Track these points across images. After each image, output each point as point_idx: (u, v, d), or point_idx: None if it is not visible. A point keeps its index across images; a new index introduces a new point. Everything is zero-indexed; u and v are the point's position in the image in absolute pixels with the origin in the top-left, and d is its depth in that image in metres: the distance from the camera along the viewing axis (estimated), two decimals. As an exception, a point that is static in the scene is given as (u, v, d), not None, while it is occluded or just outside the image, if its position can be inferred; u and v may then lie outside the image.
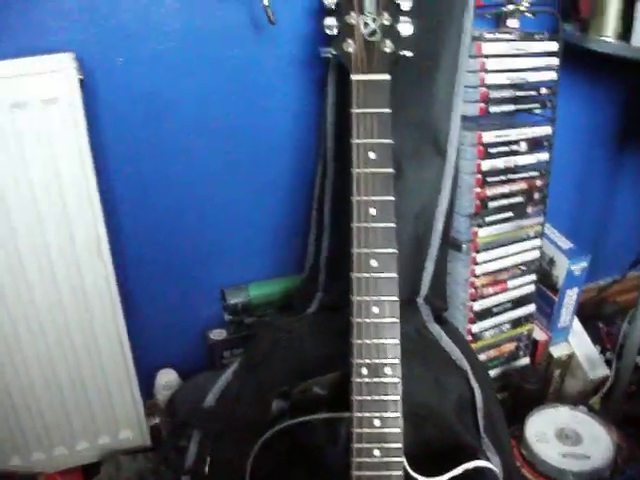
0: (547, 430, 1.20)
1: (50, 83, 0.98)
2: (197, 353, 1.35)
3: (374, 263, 0.85)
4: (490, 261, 1.25)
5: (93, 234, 1.08)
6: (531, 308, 1.36)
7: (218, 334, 1.31)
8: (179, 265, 1.31)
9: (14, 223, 1.05)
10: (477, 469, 0.85)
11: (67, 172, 1.04)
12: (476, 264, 1.23)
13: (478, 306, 1.27)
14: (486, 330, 1.31)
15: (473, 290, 1.25)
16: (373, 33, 0.87)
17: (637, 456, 1.21)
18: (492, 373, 1.35)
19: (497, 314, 1.31)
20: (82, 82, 1.01)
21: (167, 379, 1.29)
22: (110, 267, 1.12)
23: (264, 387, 1.00)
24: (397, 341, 0.83)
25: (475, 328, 1.29)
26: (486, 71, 1.11)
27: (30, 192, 1.03)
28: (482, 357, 1.32)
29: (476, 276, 1.24)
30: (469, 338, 1.28)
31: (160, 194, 1.23)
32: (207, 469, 1.00)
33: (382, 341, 0.83)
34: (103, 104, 1.11)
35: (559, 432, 1.20)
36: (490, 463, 0.86)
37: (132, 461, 1.21)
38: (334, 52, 0.89)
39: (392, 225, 0.85)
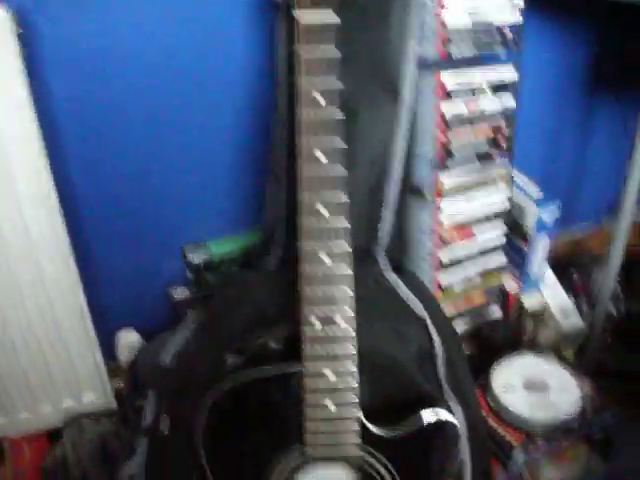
0: (514, 379, 1.18)
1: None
2: (160, 312, 1.32)
3: (324, 211, 0.82)
4: (456, 209, 1.22)
5: (39, 189, 1.04)
6: (501, 258, 1.33)
7: (181, 292, 1.29)
8: (139, 223, 1.27)
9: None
10: (435, 421, 0.84)
11: (9, 128, 0.99)
12: (441, 212, 1.20)
13: (445, 256, 1.24)
14: (454, 281, 1.29)
15: (439, 239, 1.22)
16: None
17: (608, 407, 1.20)
18: (462, 325, 1.33)
19: (465, 265, 1.29)
20: (21, 36, 0.96)
21: (128, 339, 1.26)
22: (60, 224, 1.08)
23: (219, 343, 0.98)
24: (350, 292, 0.81)
25: (443, 279, 1.26)
26: (445, 9, 1.06)
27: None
28: (451, 309, 1.29)
29: (441, 224, 1.21)
30: (436, 289, 1.26)
31: (115, 151, 1.19)
32: (163, 428, 0.98)
33: (334, 292, 0.81)
34: (51, 59, 1.06)
35: (526, 381, 1.18)
36: (447, 412, 0.84)
37: (95, 424, 1.20)
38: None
39: (343, 170, 0.81)
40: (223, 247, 1.28)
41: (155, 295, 1.33)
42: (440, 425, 0.84)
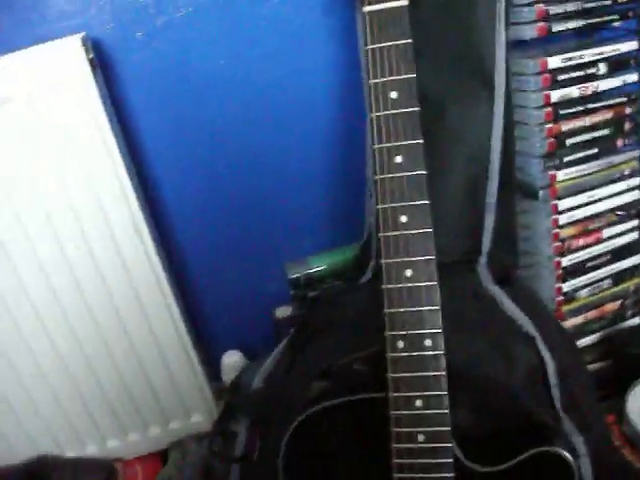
0: (654, 403, 1.01)
1: (59, 66, 0.95)
2: (265, 332, 1.29)
3: (404, 218, 0.73)
4: (576, 208, 1.07)
5: (128, 219, 1.05)
6: (636, 259, 1.15)
7: (284, 311, 1.24)
8: (240, 245, 1.26)
9: (52, 220, 1.04)
10: (548, 456, 0.72)
11: (91, 158, 1.01)
12: (559, 213, 1.07)
13: (567, 261, 1.10)
14: (580, 288, 1.13)
15: (559, 243, 1.08)
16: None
17: None
18: (593, 338, 1.17)
19: (593, 269, 1.13)
20: (93, 62, 0.97)
21: (232, 360, 1.24)
22: (153, 252, 1.08)
23: (309, 366, 0.92)
24: (436, 307, 0.72)
25: (566, 287, 1.11)
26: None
27: (60, 183, 1.02)
28: (579, 320, 1.14)
29: (560, 227, 1.07)
30: (559, 299, 1.12)
31: (207, 173, 1.18)
32: (256, 455, 0.94)
33: (418, 308, 0.72)
34: (131, 83, 1.07)
35: (669, 405, 1.01)
36: (559, 449, 0.72)
37: (198, 446, 1.18)
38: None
39: (422, 172, 0.73)
40: (323, 261, 1.21)
41: (259, 315, 1.29)
42: (551, 460, 0.72)
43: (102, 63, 1.03)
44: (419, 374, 0.72)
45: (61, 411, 1.19)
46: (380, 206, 0.74)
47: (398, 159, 0.73)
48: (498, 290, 0.91)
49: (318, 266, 1.20)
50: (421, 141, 0.72)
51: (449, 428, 0.72)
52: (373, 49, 0.75)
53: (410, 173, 0.73)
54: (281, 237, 1.25)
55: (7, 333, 1.11)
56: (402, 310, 0.73)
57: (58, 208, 1.03)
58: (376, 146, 0.74)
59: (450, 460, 0.72)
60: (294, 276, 1.22)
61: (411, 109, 0.73)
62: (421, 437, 0.73)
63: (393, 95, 0.74)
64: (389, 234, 0.73)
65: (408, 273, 0.73)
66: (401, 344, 0.73)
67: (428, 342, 0.72)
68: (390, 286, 0.73)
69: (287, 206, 1.23)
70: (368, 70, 0.75)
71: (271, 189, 1.21)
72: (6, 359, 1.14)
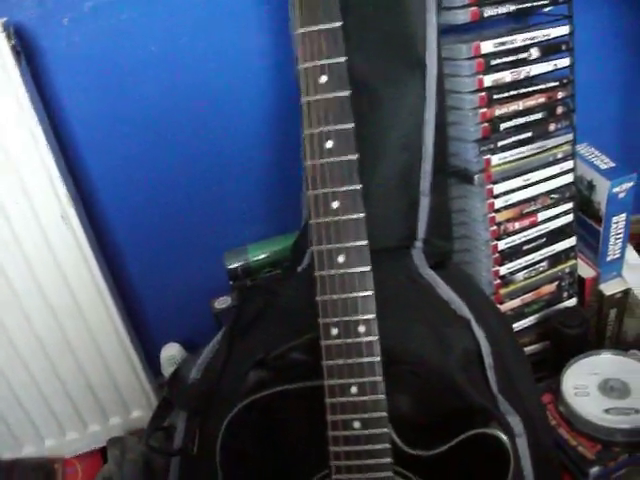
0: (588, 381, 1.02)
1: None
2: (205, 324, 1.27)
3: (335, 204, 0.72)
4: (511, 192, 1.08)
5: (57, 210, 1.02)
6: (571, 241, 1.17)
7: (223, 302, 1.22)
8: (177, 235, 1.24)
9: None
10: (480, 439, 0.73)
11: (17, 148, 0.97)
12: (494, 197, 1.07)
13: (503, 245, 1.11)
14: (518, 271, 1.14)
15: (495, 227, 1.09)
16: None
17: None
18: (530, 320, 1.19)
19: (529, 252, 1.14)
20: (15, 48, 0.93)
21: (170, 353, 1.22)
22: (85, 244, 1.06)
23: (246, 356, 0.90)
24: (370, 293, 0.71)
25: (503, 270, 1.12)
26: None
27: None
28: (517, 302, 1.15)
29: (496, 211, 1.08)
30: (497, 282, 1.13)
31: (139, 163, 1.15)
32: (195, 448, 0.92)
33: (351, 295, 0.72)
34: (56, 70, 1.03)
35: (603, 383, 1.02)
36: (495, 429, 0.73)
37: (138, 442, 1.16)
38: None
39: (353, 157, 0.72)
40: (261, 250, 1.20)
41: (199, 307, 1.26)
42: (487, 441, 0.72)
43: (26, 51, 0.99)
44: (354, 361, 0.72)
45: (-3, 413, 1.16)
46: (311, 192, 0.73)
47: (329, 144, 0.72)
48: (433, 274, 0.91)
49: (257, 255, 1.19)
50: (352, 125, 0.71)
51: (385, 414, 0.72)
52: (303, 33, 0.74)
53: (341, 158, 0.72)
54: (220, 226, 1.24)
55: None
56: (335, 297, 0.72)
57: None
58: (306, 132, 0.73)
59: (387, 446, 0.72)
60: (233, 266, 1.20)
61: (342, 93, 0.72)
62: (357, 424, 0.73)
63: (323, 79, 0.73)
64: (320, 220, 0.72)
65: (340, 259, 0.72)
66: (335, 331, 0.72)
67: (362, 328, 0.72)
68: (322, 273, 0.73)
69: (225, 195, 1.21)
70: (296, 56, 0.74)
71: (209, 177, 1.19)
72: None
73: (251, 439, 0.78)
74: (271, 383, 0.80)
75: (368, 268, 0.71)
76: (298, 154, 1.10)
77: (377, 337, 0.71)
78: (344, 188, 0.71)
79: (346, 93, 0.72)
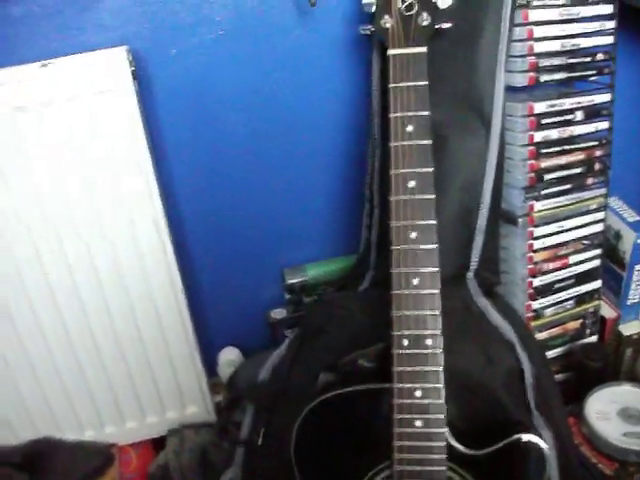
0: (609, 408, 1.16)
1: (105, 75, 1.04)
2: (259, 332, 1.39)
3: (413, 235, 0.85)
4: (549, 235, 1.21)
5: (151, 216, 1.14)
6: (596, 284, 1.30)
7: (279, 313, 1.35)
8: (241, 249, 1.35)
9: (74, 211, 1.12)
10: (524, 444, 0.85)
11: (124, 160, 1.09)
12: (534, 239, 1.20)
13: (538, 282, 1.24)
14: (547, 307, 1.27)
15: (532, 265, 1.22)
16: (410, 7, 0.87)
17: None
18: (556, 352, 1.31)
19: (559, 290, 1.27)
20: (135, 73, 1.06)
21: (230, 357, 1.34)
22: (170, 249, 1.17)
23: (314, 360, 1.03)
24: (437, 312, 0.84)
25: (535, 305, 1.25)
26: (534, 39, 1.08)
27: (89, 180, 1.10)
28: (544, 335, 1.28)
29: (534, 251, 1.21)
30: (529, 315, 1.26)
31: (218, 181, 1.27)
32: (260, 440, 1.03)
33: (422, 312, 0.84)
34: (159, 95, 1.16)
35: (622, 411, 1.16)
36: (536, 437, 0.85)
37: (195, 435, 1.27)
38: (372, 29, 0.91)
39: (431, 197, 0.85)
40: (320, 270, 1.33)
41: (255, 316, 1.40)
42: (528, 448, 0.84)
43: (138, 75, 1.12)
44: (420, 368, 0.85)
45: (65, 395, 1.27)
46: (393, 223, 0.86)
47: (411, 184, 0.85)
48: (485, 302, 1.04)
49: (315, 273, 1.32)
50: (432, 169, 0.85)
51: (444, 416, 0.84)
52: (394, 87, 0.87)
53: (421, 196, 0.85)
54: (281, 245, 1.36)
55: (19, 312, 1.18)
56: (408, 313, 0.85)
57: (83, 207, 1.11)
58: (393, 171, 0.86)
59: (443, 444, 0.84)
60: (291, 281, 1.33)
61: (424, 142, 0.86)
62: (419, 422, 0.85)
63: (409, 129, 0.86)
64: (400, 247, 0.85)
65: (415, 282, 0.85)
66: (406, 342, 0.85)
67: (429, 341, 0.84)
68: (398, 292, 0.85)
69: (288, 217, 1.34)
70: (389, 105, 0.87)
71: (276, 202, 1.32)
72: (16, 339, 1.20)
73: (322, 434, 0.90)
74: (339, 386, 0.92)
75: (438, 291, 0.84)
76: (360, 186, 1.24)
77: (441, 350, 0.84)
78: (422, 222, 0.85)
79: (428, 142, 0.86)
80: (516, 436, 0.83)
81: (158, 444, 1.35)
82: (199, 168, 1.26)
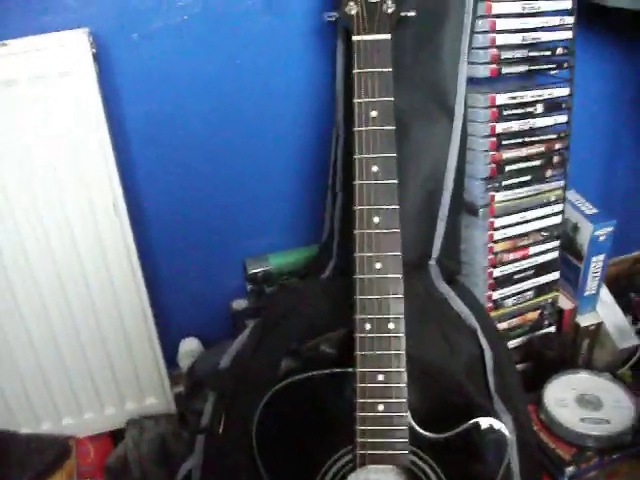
0: (567, 395, 1.19)
1: (64, 56, 1.02)
2: (221, 323, 1.38)
3: (376, 219, 0.86)
4: (509, 226, 1.23)
5: (110, 199, 1.12)
6: (555, 275, 1.33)
7: (240, 303, 1.34)
8: (202, 238, 1.34)
9: (34, 191, 1.09)
10: (485, 428, 0.86)
11: (84, 142, 1.07)
12: (494, 229, 1.22)
13: (498, 272, 1.26)
14: (507, 297, 1.29)
15: (492, 256, 1.24)
16: (374, -6, 0.87)
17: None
18: (515, 342, 1.33)
19: (519, 281, 1.29)
20: (95, 56, 1.04)
21: (190, 347, 1.32)
22: (129, 235, 1.15)
23: (276, 347, 1.02)
24: (400, 296, 0.85)
25: (496, 295, 1.27)
26: (497, 31, 1.10)
27: (49, 161, 1.08)
28: (504, 325, 1.30)
29: (495, 241, 1.23)
30: (489, 305, 1.27)
31: (179, 167, 1.26)
32: (221, 427, 1.02)
33: (385, 296, 0.85)
34: (120, 79, 1.14)
35: (579, 397, 1.18)
36: (497, 421, 0.86)
37: (155, 425, 1.25)
38: (337, 16, 0.91)
39: (394, 182, 0.86)
40: (282, 260, 1.33)
41: (216, 306, 1.39)
42: (489, 433, 0.85)
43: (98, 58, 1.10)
44: (382, 352, 0.85)
45: (21, 386, 1.23)
46: (357, 207, 0.86)
47: (374, 168, 0.86)
48: (447, 288, 1.05)
49: (277, 263, 1.32)
50: (395, 155, 0.86)
51: (405, 400, 0.84)
52: (359, 73, 0.88)
53: (384, 181, 0.86)
54: (242, 234, 1.35)
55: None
56: (370, 297, 0.85)
57: (45, 187, 1.09)
58: (356, 156, 0.86)
59: (405, 427, 0.84)
60: (253, 271, 1.32)
61: (388, 127, 0.87)
62: (381, 407, 0.85)
63: (373, 114, 0.87)
64: (363, 232, 0.86)
65: (378, 266, 0.85)
66: (368, 326, 0.85)
67: (391, 325, 0.85)
68: (361, 276, 0.85)
69: (251, 206, 1.33)
70: (353, 90, 0.87)
71: (238, 190, 1.31)
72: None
73: (284, 420, 0.90)
74: (301, 372, 0.92)
75: (400, 275, 0.85)
76: (323, 175, 1.24)
77: (403, 333, 0.84)
78: (385, 206, 0.85)
79: (392, 127, 0.86)
80: (477, 420, 0.85)
81: (116, 436, 1.33)
82: (159, 154, 1.24)
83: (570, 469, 1.09)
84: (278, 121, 1.26)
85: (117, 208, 1.13)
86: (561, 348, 1.28)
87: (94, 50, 1.04)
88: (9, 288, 1.15)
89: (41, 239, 1.13)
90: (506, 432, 0.85)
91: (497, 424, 0.85)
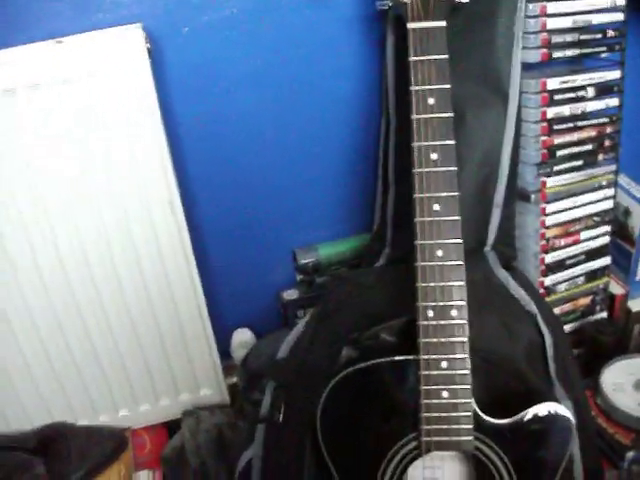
0: (624, 380, 1.18)
1: (120, 52, 1.03)
2: (271, 313, 1.40)
3: (436, 207, 0.86)
4: (560, 212, 1.22)
5: (166, 197, 1.13)
6: (606, 260, 1.32)
7: (291, 294, 1.35)
8: (252, 229, 1.35)
9: (89, 190, 1.11)
10: (548, 414, 0.85)
11: (140, 138, 1.09)
12: (546, 215, 1.22)
13: (550, 258, 1.25)
14: (559, 283, 1.29)
15: (544, 242, 1.23)
16: (428, -18, 0.87)
17: None
18: (567, 328, 1.32)
19: (570, 266, 1.28)
20: (150, 51, 1.05)
21: (243, 338, 1.34)
22: (184, 230, 1.17)
23: (334, 336, 1.03)
24: (462, 283, 0.85)
25: (548, 281, 1.27)
26: (547, 15, 1.09)
27: (105, 158, 1.09)
28: (556, 311, 1.29)
29: (547, 227, 1.22)
30: (541, 291, 1.27)
31: (229, 162, 1.27)
32: (281, 417, 1.04)
33: (447, 283, 0.85)
34: (170, 73, 1.15)
35: (637, 382, 1.18)
36: (563, 407, 0.86)
37: (211, 416, 1.27)
38: (390, 3, 0.91)
39: (453, 169, 0.86)
40: (331, 250, 1.34)
41: (267, 297, 1.40)
42: (553, 418, 0.85)
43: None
44: (446, 339, 0.85)
45: (79, 379, 1.26)
46: (417, 195, 0.86)
47: (434, 156, 0.86)
48: (506, 274, 1.05)
49: (327, 253, 1.33)
50: (453, 142, 0.86)
51: (469, 386, 0.84)
52: (415, 61, 0.88)
53: (444, 168, 0.86)
54: (292, 225, 1.36)
55: (33, 293, 1.17)
56: (433, 284, 0.85)
57: (101, 184, 1.11)
58: (415, 144, 0.86)
59: (470, 413, 0.84)
60: (303, 262, 1.33)
61: (446, 114, 0.87)
62: (445, 393, 0.86)
63: (431, 101, 0.87)
64: (424, 219, 0.86)
65: (439, 253, 0.85)
66: (431, 313, 0.85)
67: (454, 312, 0.85)
68: (423, 264, 0.86)
69: (298, 197, 1.34)
70: (409, 78, 0.87)
71: (286, 182, 1.31)
72: (29, 321, 1.19)
73: (347, 407, 0.90)
74: (361, 360, 0.93)
75: (462, 262, 0.85)
76: (372, 165, 1.24)
77: (466, 320, 0.85)
78: (445, 194, 0.85)
79: (450, 114, 0.86)
80: (541, 405, 0.85)
81: (171, 427, 1.36)
82: (209, 147, 1.25)
83: (630, 454, 1.09)
84: (325, 112, 1.26)
85: (173, 205, 1.14)
86: (615, 333, 1.27)
87: (149, 45, 1.05)
88: (67, 283, 1.17)
89: (100, 238, 1.15)
90: (570, 417, 0.86)
91: (561, 409, 0.85)
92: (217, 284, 1.36)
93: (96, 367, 1.26)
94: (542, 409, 0.85)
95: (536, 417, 0.85)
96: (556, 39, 1.11)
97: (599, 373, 1.19)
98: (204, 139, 1.23)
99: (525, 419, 0.85)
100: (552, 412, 0.85)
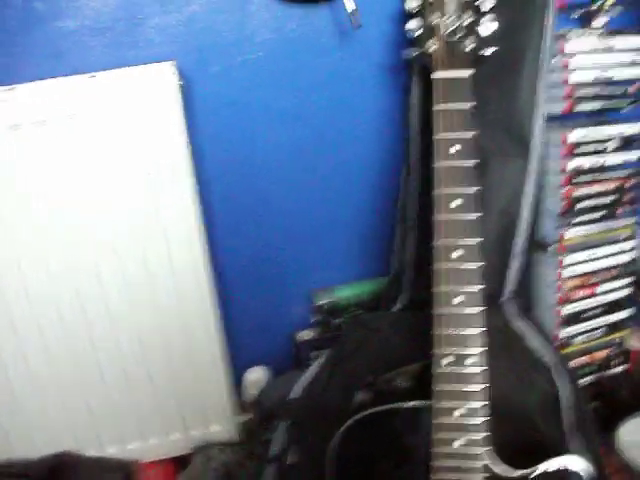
0: (641, 437, 1.16)
1: (152, 88, 1.06)
2: (286, 353, 1.39)
3: (457, 254, 0.86)
4: (578, 263, 1.23)
5: (188, 232, 1.15)
6: (625, 313, 1.31)
7: (306, 334, 1.35)
8: (271, 268, 1.36)
9: (113, 221, 1.13)
10: (561, 468, 0.84)
11: (167, 171, 1.11)
12: (563, 267, 1.22)
13: (566, 310, 1.25)
14: (575, 336, 1.28)
15: (561, 294, 1.23)
16: (454, 33, 0.89)
17: None
18: (584, 380, 1.31)
19: (587, 319, 1.28)
20: (182, 87, 1.09)
21: (256, 377, 1.33)
22: (204, 268, 1.19)
23: (349, 379, 1.03)
24: (480, 330, 0.84)
25: (563, 333, 1.26)
26: (570, 69, 1.11)
27: (132, 189, 1.12)
28: (571, 364, 1.29)
29: (564, 279, 1.22)
30: (557, 344, 1.26)
31: (252, 199, 1.29)
32: (291, 457, 1.03)
33: (465, 331, 0.85)
34: (200, 109, 1.18)
35: (654, 439, 1.16)
36: (574, 461, 0.84)
37: (221, 453, 1.26)
38: (416, 53, 0.93)
39: (475, 216, 0.86)
40: (348, 292, 1.34)
41: (281, 336, 1.40)
42: (564, 474, 0.84)
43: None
44: (462, 387, 0.85)
45: (87, 410, 1.26)
46: (437, 242, 0.87)
47: (455, 203, 0.86)
48: (522, 324, 1.05)
49: (344, 295, 1.33)
50: (476, 189, 0.86)
51: (485, 435, 0.84)
52: (438, 110, 0.89)
53: (466, 216, 0.86)
54: (308, 267, 1.37)
55: (48, 323, 1.18)
56: (450, 331, 0.85)
57: (123, 217, 1.13)
58: (437, 191, 0.87)
59: (482, 464, 0.84)
60: (320, 303, 1.34)
61: (469, 162, 0.88)
62: (458, 443, 0.85)
63: (454, 149, 0.88)
64: (443, 266, 0.86)
65: (458, 300, 0.85)
66: (447, 361, 0.85)
67: (471, 360, 0.84)
68: (441, 310, 0.86)
69: (317, 239, 1.35)
70: (433, 127, 0.89)
71: (305, 223, 1.33)
72: (43, 353, 1.20)
73: (359, 450, 0.89)
74: (374, 405, 0.92)
75: (481, 309, 0.85)
76: (390, 210, 1.25)
77: (484, 368, 0.84)
78: (466, 241, 0.86)
79: (472, 162, 0.87)
80: (553, 461, 0.84)
81: (180, 462, 1.35)
82: (232, 185, 1.27)
83: (646, 514, 1.07)
84: (347, 156, 1.28)
85: (193, 240, 1.16)
86: (633, 388, 1.26)
87: (181, 82, 1.08)
88: (84, 317, 1.19)
89: (117, 267, 1.16)
90: (582, 473, 0.84)
91: (572, 465, 0.84)
92: (233, 322, 1.36)
93: (106, 398, 1.26)
94: (553, 464, 0.84)
95: (546, 473, 0.84)
96: (579, 92, 1.13)
97: (616, 430, 1.18)
98: (226, 176, 1.26)
99: (534, 475, 0.84)
100: (562, 468, 0.84)
